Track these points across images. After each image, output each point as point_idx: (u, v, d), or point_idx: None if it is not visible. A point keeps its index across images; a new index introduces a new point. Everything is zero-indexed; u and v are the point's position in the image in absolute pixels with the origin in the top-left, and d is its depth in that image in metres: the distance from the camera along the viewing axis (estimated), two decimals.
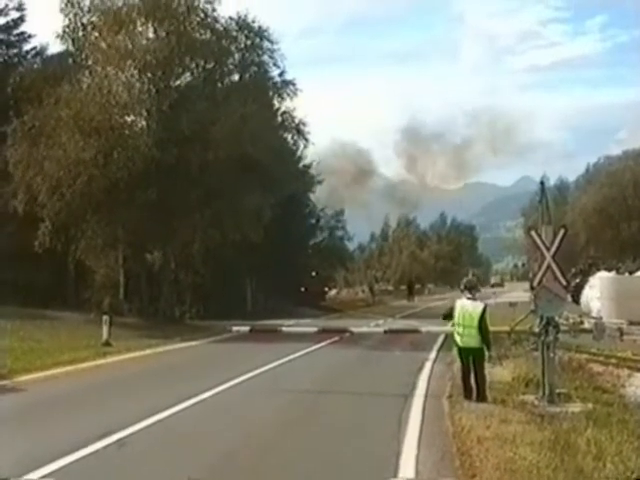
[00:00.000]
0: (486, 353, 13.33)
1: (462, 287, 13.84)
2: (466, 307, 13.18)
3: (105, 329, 23.78)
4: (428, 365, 18.97)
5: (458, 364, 18.71)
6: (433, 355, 21.40)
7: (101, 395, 14.17)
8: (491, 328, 20.09)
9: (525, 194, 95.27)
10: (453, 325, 13.54)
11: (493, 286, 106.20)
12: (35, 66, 40.76)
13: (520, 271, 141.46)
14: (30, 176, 32.50)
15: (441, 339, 25.15)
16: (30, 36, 41.19)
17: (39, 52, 41.49)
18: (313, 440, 10.22)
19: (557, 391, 12.75)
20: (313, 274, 65.00)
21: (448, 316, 13.71)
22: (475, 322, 13.01)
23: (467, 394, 13.03)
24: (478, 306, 13.22)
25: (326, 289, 73.75)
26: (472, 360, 13.12)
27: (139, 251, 37.08)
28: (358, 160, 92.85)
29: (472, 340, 13.06)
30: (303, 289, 60.80)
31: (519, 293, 55.70)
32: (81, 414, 11.94)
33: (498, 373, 16.68)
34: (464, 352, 13.23)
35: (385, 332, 22.17)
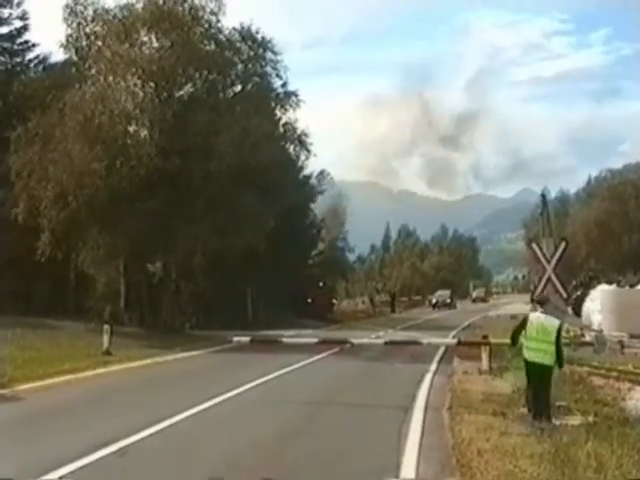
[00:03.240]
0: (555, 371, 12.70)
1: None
2: (541, 321, 12.42)
3: (106, 338, 23.75)
4: (428, 377, 18.95)
5: (458, 376, 18.82)
6: (433, 367, 21.38)
7: (101, 404, 14.16)
8: (493, 340, 20.27)
9: (526, 206, 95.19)
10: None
11: (475, 301, 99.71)
12: (37, 75, 40.83)
13: (521, 283, 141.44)
14: (33, 183, 32.52)
15: (441, 351, 25.18)
16: (34, 45, 41.35)
17: (41, 61, 41.60)
18: (312, 453, 10.19)
19: (557, 404, 12.75)
20: (320, 284, 64.07)
21: (517, 332, 12.85)
22: (552, 337, 12.27)
23: (536, 413, 12.24)
24: (554, 321, 12.51)
25: (334, 301, 71.29)
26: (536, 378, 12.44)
27: (140, 261, 37.04)
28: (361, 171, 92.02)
29: (546, 356, 12.27)
30: (310, 300, 59.74)
31: (520, 305, 55.70)
32: (80, 423, 11.94)
33: (498, 385, 16.71)
34: (535, 368, 12.37)
35: (385, 343, 22.19)
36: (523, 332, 12.54)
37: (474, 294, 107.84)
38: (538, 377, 12.32)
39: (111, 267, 36.87)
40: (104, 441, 9.97)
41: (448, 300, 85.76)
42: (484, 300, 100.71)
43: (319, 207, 64.07)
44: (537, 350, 12.28)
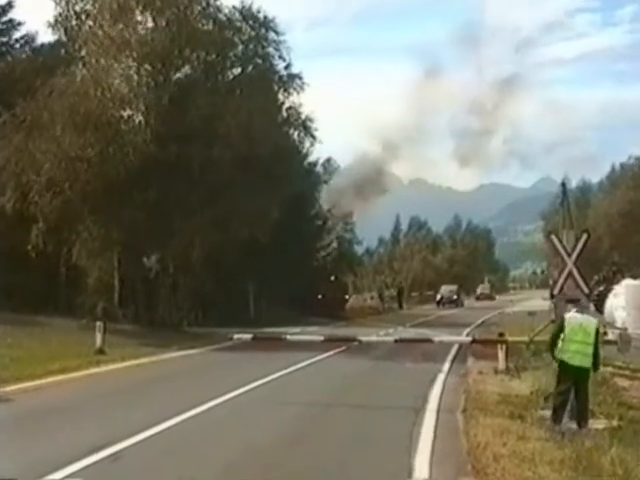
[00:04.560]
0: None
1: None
2: (579, 321, 12.17)
3: (98, 336, 23.76)
4: (441, 377, 18.94)
5: (473, 376, 18.79)
6: (446, 367, 21.38)
7: (94, 406, 14.15)
8: (510, 338, 20.22)
9: (545, 196, 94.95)
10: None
11: (479, 298, 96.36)
12: (24, 56, 40.65)
13: (539, 278, 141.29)
14: (20, 171, 32.46)
15: (454, 350, 25.16)
16: (19, 24, 41.12)
17: (28, 41, 41.35)
18: (318, 457, 10.16)
19: None
20: (332, 279, 63.55)
21: (556, 337, 12.42)
22: (591, 338, 12.04)
23: (558, 418, 12.09)
24: (592, 320, 12.37)
25: (346, 297, 69.28)
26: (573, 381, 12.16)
27: (135, 254, 37.00)
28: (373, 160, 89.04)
29: (585, 359, 12.03)
30: (320, 296, 59.01)
31: (538, 301, 55.64)
32: (72, 426, 11.92)
33: (516, 386, 16.67)
34: (572, 371, 12.10)
35: (395, 341, 22.16)
36: (561, 335, 12.32)
37: (478, 290, 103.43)
38: (575, 380, 12.11)
39: (104, 260, 36.84)
40: (96, 445, 9.96)
41: (454, 296, 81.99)
42: (490, 297, 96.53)
43: (325, 197, 63.96)
44: (577, 352, 12.04)
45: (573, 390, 12.14)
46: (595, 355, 12.11)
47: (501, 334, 21.32)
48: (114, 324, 30.29)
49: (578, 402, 12.10)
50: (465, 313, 61.17)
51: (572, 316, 12.31)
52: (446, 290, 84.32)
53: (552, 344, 12.61)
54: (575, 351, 12.05)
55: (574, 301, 12.76)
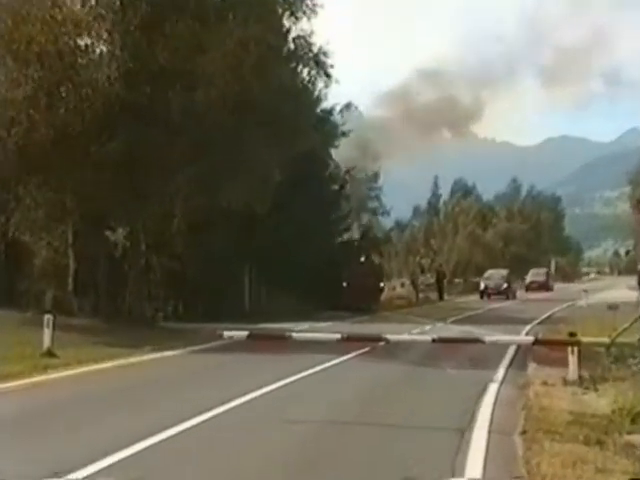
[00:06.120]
0: None
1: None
2: None
3: (47, 333, 23.77)
4: (493, 388, 18.89)
5: (535, 388, 18.66)
6: (500, 375, 21.35)
7: (36, 426, 14.08)
8: (583, 339, 20.08)
9: (632, 154, 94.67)
10: None
11: (529, 288, 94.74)
12: None
13: (623, 261, 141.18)
14: None
15: (511, 353, 25.10)
16: None
17: None
18: None
19: None
20: (362, 259, 62.39)
21: None
22: None
23: None
24: None
25: (381, 284, 65.90)
26: None
27: (96, 227, 37.09)
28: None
29: None
30: (345, 284, 57.25)
31: (622, 291, 55.56)
32: (12, 451, 11.84)
33: (592, 402, 16.55)
34: None
35: (433, 341, 22.09)
36: None
37: (528, 278, 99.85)
38: None
39: (55, 235, 36.90)
40: (44, 474, 9.85)
41: (504, 285, 79.47)
42: (545, 287, 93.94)
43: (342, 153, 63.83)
44: None
45: None
46: None
47: (572, 334, 21.16)
48: (68, 318, 30.43)
49: None
50: (522, 307, 61.11)
51: None
52: (494, 276, 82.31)
53: None
54: None
55: None
